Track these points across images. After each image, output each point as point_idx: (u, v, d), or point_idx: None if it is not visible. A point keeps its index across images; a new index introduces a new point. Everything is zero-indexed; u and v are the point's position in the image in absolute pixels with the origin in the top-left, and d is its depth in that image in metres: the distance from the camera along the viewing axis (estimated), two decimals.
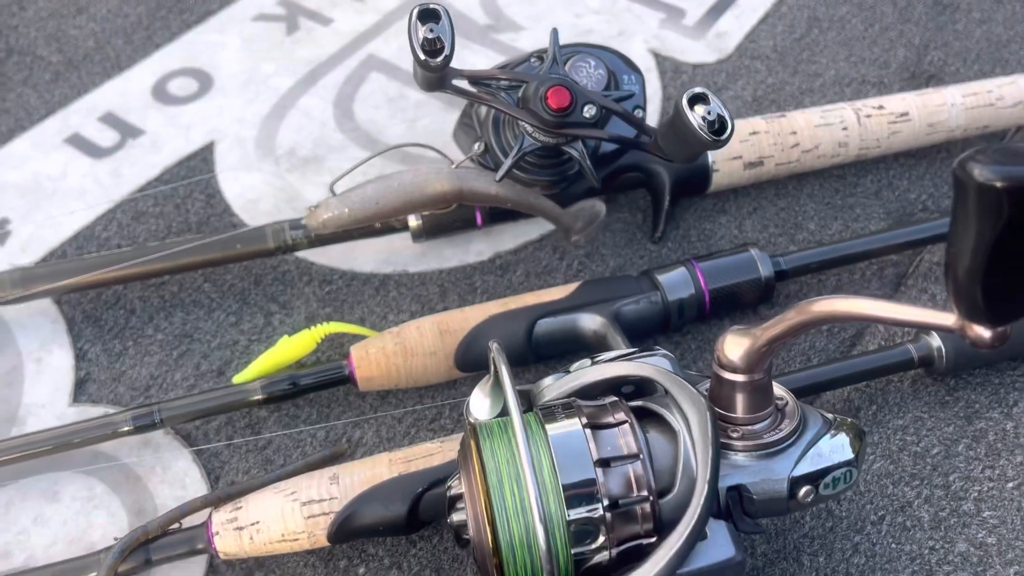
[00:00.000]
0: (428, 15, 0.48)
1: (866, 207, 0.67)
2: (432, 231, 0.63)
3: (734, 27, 0.80)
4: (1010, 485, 0.52)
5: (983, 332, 0.33)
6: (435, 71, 0.49)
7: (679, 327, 0.59)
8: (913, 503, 0.52)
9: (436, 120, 0.73)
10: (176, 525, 0.49)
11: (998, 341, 0.33)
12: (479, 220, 0.63)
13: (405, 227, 0.62)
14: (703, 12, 0.81)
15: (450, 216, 0.62)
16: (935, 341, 0.55)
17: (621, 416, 0.42)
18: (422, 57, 0.48)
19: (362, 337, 0.56)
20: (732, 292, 0.58)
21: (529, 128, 0.54)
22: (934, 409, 0.56)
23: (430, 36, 0.48)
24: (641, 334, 0.58)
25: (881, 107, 0.65)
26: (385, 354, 0.54)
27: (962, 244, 0.32)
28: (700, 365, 0.58)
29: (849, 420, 0.44)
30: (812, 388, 0.54)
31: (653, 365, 0.45)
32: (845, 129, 0.65)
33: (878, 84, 0.75)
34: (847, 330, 0.60)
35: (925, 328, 0.36)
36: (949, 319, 0.34)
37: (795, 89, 0.75)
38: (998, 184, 0.30)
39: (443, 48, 0.48)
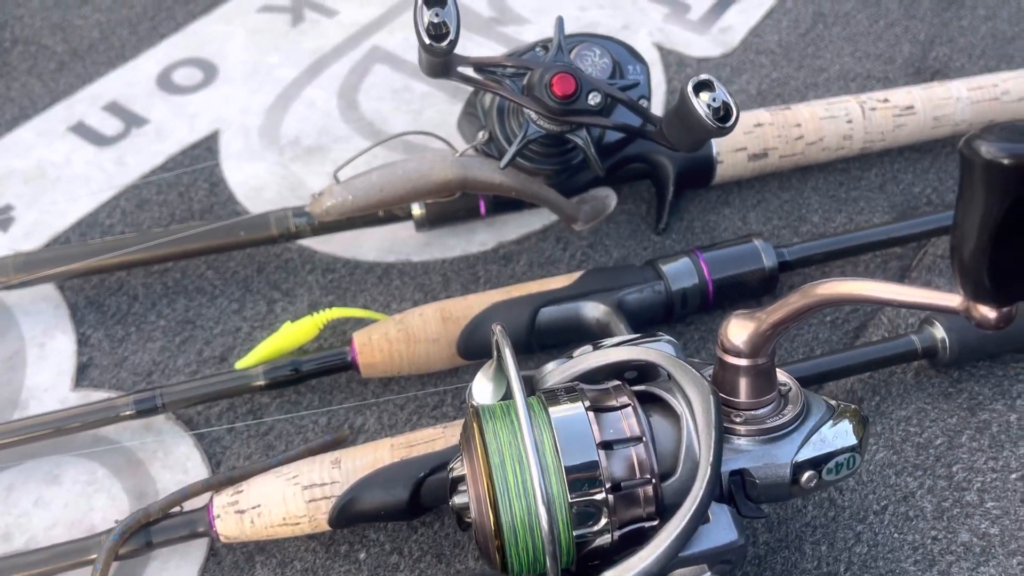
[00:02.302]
0: (434, 0, 0.48)
1: (870, 200, 0.67)
2: (435, 220, 0.63)
3: (739, 22, 0.80)
4: (1014, 476, 0.52)
5: (988, 312, 0.33)
6: (440, 56, 0.49)
7: (682, 317, 0.59)
8: (916, 493, 0.52)
9: (441, 111, 0.73)
10: (177, 508, 0.49)
11: (1003, 321, 0.33)
12: (482, 209, 0.63)
13: (408, 216, 0.62)
14: (708, 7, 0.81)
15: (454, 205, 0.62)
16: (939, 332, 0.55)
17: (624, 399, 0.42)
18: (427, 41, 0.48)
19: (365, 322, 0.56)
20: (736, 282, 0.58)
21: (534, 115, 0.54)
22: (937, 400, 0.55)
23: (436, 20, 0.48)
24: (644, 323, 0.58)
25: (886, 100, 0.65)
26: (388, 340, 0.54)
27: (968, 223, 0.32)
28: (703, 355, 0.58)
29: (852, 407, 0.44)
30: (815, 378, 0.54)
31: (657, 350, 0.44)
32: (850, 122, 0.65)
33: (883, 79, 0.75)
34: (850, 321, 0.60)
35: (930, 309, 0.35)
36: (955, 300, 0.34)
37: (800, 83, 0.75)
38: (1005, 161, 0.30)
39: (448, 33, 0.48)
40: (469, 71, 0.54)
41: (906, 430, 0.54)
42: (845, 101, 0.65)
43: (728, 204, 0.66)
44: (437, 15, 0.48)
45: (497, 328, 0.44)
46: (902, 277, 0.62)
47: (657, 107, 0.73)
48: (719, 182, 0.65)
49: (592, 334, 0.56)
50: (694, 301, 0.58)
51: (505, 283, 0.62)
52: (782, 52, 0.77)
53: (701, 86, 0.49)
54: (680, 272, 0.57)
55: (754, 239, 0.59)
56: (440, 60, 0.50)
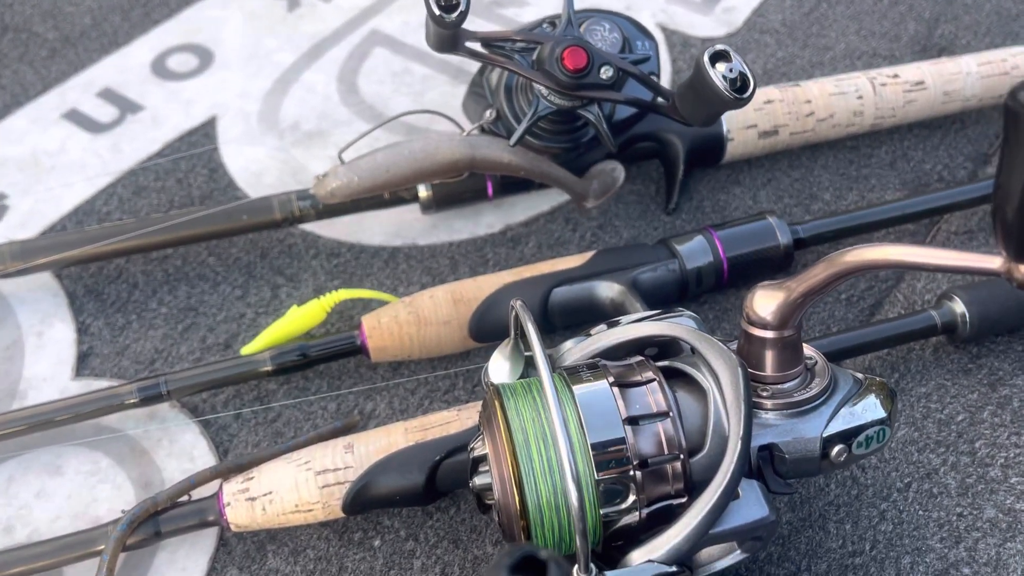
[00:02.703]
0: None
1: (881, 178, 0.66)
2: (442, 202, 0.61)
3: (742, 2, 0.79)
4: None
5: None
6: (450, 28, 0.48)
7: (696, 295, 0.58)
8: (939, 470, 0.51)
9: (443, 93, 0.72)
10: (185, 497, 0.47)
11: None
12: (490, 191, 0.61)
13: (414, 198, 0.61)
14: None
15: (461, 186, 0.61)
16: (959, 307, 0.54)
17: (649, 374, 0.41)
18: (436, 12, 0.47)
19: (373, 305, 0.55)
20: (751, 260, 0.57)
21: (544, 91, 0.53)
22: (957, 376, 0.55)
23: None
24: (659, 302, 0.56)
25: (896, 76, 0.65)
26: (398, 323, 0.53)
27: (1014, 180, 0.31)
28: (719, 334, 0.57)
29: (879, 380, 0.43)
30: (833, 355, 0.53)
31: (681, 324, 0.43)
32: (860, 98, 0.64)
33: (889, 57, 0.74)
34: (866, 299, 0.59)
35: (968, 272, 0.34)
36: (995, 262, 0.33)
37: (805, 62, 0.74)
38: None
39: (458, 4, 0.47)
40: (477, 46, 0.53)
41: (927, 407, 0.53)
42: (855, 77, 0.64)
43: (738, 183, 0.65)
44: None
45: (517, 303, 0.43)
46: None
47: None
48: (729, 160, 0.64)
49: (606, 313, 0.55)
50: (709, 279, 0.57)
51: (514, 265, 0.61)
52: (786, 31, 0.76)
53: (717, 56, 0.48)
54: (694, 250, 0.56)
55: (768, 216, 0.58)
56: (449, 33, 0.49)
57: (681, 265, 0.56)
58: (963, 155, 0.67)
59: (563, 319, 0.55)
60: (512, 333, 0.45)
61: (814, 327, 0.58)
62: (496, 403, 0.41)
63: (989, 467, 0.51)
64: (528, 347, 0.42)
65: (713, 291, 0.58)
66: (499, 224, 0.64)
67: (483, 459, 0.41)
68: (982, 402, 0.53)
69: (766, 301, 0.40)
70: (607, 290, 0.55)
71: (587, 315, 0.55)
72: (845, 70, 0.73)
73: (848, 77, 0.65)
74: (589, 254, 0.56)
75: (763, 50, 0.75)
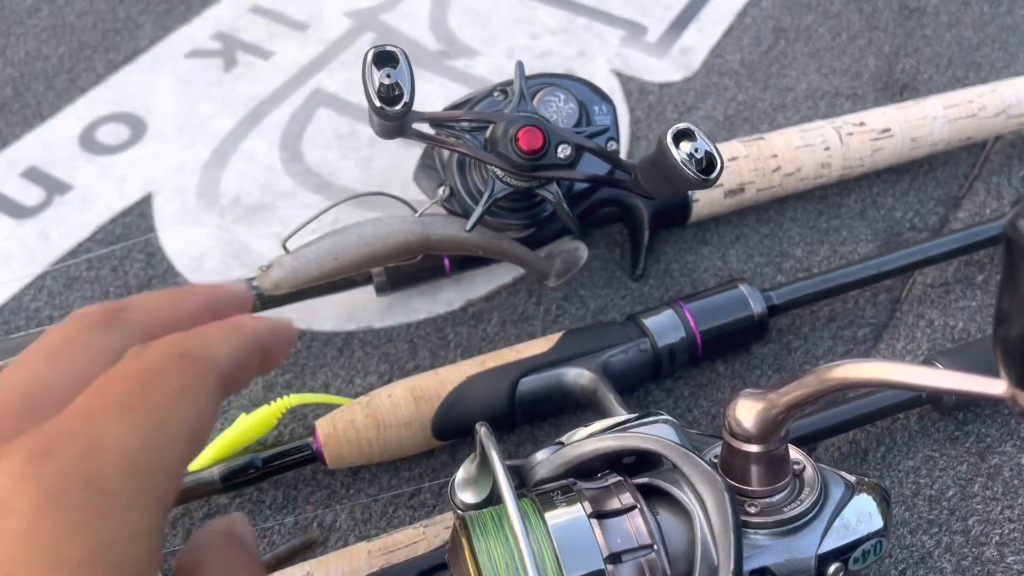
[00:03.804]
0: (384, 58, 0.44)
1: (852, 228, 0.64)
2: (397, 283, 0.58)
3: (698, 42, 0.76)
4: None
5: None
6: (394, 119, 0.44)
7: (671, 373, 0.55)
8: (934, 553, 0.48)
9: (392, 157, 0.68)
10: None
11: None
12: (448, 269, 0.58)
13: (368, 281, 0.57)
14: (665, 27, 0.78)
15: (416, 266, 0.57)
16: None
17: (628, 500, 0.38)
18: (378, 105, 0.44)
19: (328, 408, 0.51)
20: (724, 332, 0.54)
21: (499, 172, 0.50)
22: (944, 447, 0.52)
23: (387, 82, 0.43)
24: (631, 384, 0.54)
25: (862, 123, 0.62)
26: (355, 428, 0.49)
27: (1016, 307, 0.28)
28: (695, 413, 0.55)
29: (872, 482, 0.41)
30: (817, 435, 0.51)
31: (657, 437, 0.40)
32: (827, 149, 0.61)
33: (852, 96, 0.72)
34: None
35: (969, 397, 0.32)
36: (999, 387, 0.31)
37: (767, 105, 0.71)
38: None
39: (402, 95, 0.44)
40: (425, 127, 0.49)
41: (916, 482, 0.51)
42: (820, 127, 0.62)
43: (706, 242, 0.63)
44: (389, 76, 0.43)
45: (482, 429, 0.39)
46: (893, 310, 0.59)
47: (623, 140, 0.69)
48: (695, 220, 0.62)
49: (578, 402, 0.52)
50: (682, 356, 0.54)
51: (477, 345, 0.58)
52: (746, 72, 0.74)
53: (681, 135, 0.45)
54: (665, 327, 0.53)
55: (739, 284, 0.55)
56: (394, 123, 0.46)
57: (652, 344, 0.53)
58: (933, 199, 0.65)
59: (532, 409, 0.52)
60: (478, 450, 0.42)
61: None
62: (464, 541, 0.37)
63: (984, 546, 0.49)
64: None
65: (688, 366, 0.55)
66: (459, 300, 0.60)
67: None
68: (972, 473, 0.51)
69: (748, 413, 0.37)
70: (577, 377, 0.52)
71: (557, 404, 0.52)
72: (808, 111, 0.71)
73: (813, 127, 0.62)
74: (556, 336, 0.53)
75: (723, 94, 0.72)
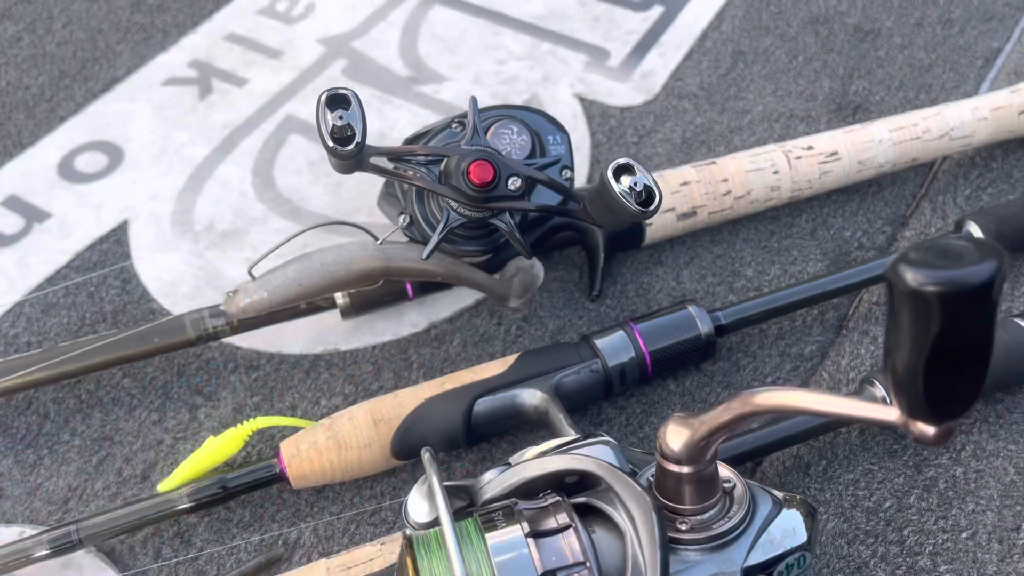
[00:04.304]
0: (336, 101, 0.46)
1: (802, 248, 0.66)
2: (361, 307, 0.60)
3: (659, 66, 0.79)
4: (964, 535, 0.52)
5: (927, 429, 0.32)
6: (347, 159, 0.47)
7: (622, 392, 0.57)
8: (869, 563, 0.51)
9: (360, 181, 0.69)
10: None
11: (943, 438, 0.32)
12: (410, 293, 0.61)
13: (333, 305, 0.60)
14: (627, 52, 0.80)
15: (379, 291, 0.60)
16: (879, 391, 0.54)
17: (564, 519, 0.40)
18: (331, 145, 0.46)
19: (293, 429, 0.54)
20: (673, 352, 0.57)
21: (453, 204, 0.52)
22: (883, 460, 0.55)
23: (339, 123, 0.46)
24: (584, 402, 0.56)
25: (810, 147, 0.65)
26: (317, 450, 0.52)
27: (900, 344, 0.31)
28: (647, 430, 0.57)
29: (798, 498, 0.43)
30: (761, 450, 0.53)
31: (595, 459, 0.43)
32: (776, 173, 0.64)
33: (806, 118, 0.74)
34: (792, 380, 0.59)
35: (868, 424, 0.34)
36: (892, 414, 0.33)
37: (724, 128, 0.74)
38: (931, 289, 0.28)
39: (354, 135, 0.46)
40: (382, 161, 0.52)
41: (855, 494, 0.53)
42: (770, 151, 0.65)
43: (661, 263, 0.65)
44: (341, 118, 0.46)
45: (426, 455, 0.42)
46: (840, 328, 0.62)
47: (583, 163, 0.71)
48: (650, 242, 0.64)
49: (531, 422, 0.54)
50: (632, 376, 0.56)
51: (439, 366, 0.60)
52: (704, 95, 0.77)
53: (621, 170, 0.48)
54: (615, 347, 0.56)
55: (688, 305, 0.58)
56: (350, 161, 0.48)
57: (604, 364, 0.55)
58: (881, 219, 0.68)
59: (487, 429, 0.54)
60: (427, 472, 0.44)
61: None
62: (408, 560, 0.40)
63: (918, 556, 0.51)
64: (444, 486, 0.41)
65: (639, 384, 0.57)
66: (423, 322, 0.63)
67: None
68: (908, 485, 0.54)
69: (677, 437, 0.40)
70: (531, 398, 0.54)
71: (511, 423, 0.55)
72: (763, 134, 0.73)
73: (763, 151, 0.65)
74: (512, 358, 0.56)
75: (681, 117, 0.75)
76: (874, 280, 0.61)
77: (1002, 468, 0.54)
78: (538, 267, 0.59)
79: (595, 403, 0.57)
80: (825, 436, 0.56)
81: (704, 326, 0.57)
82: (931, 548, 0.51)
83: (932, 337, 0.29)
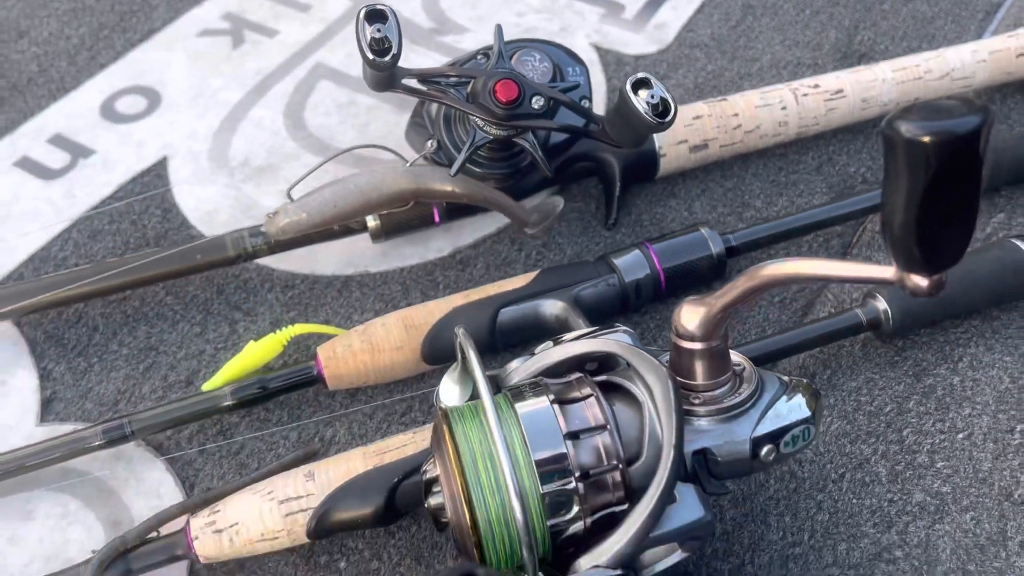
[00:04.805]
0: (375, 16, 0.49)
1: (809, 183, 0.69)
2: (391, 231, 0.64)
3: (672, 18, 0.82)
4: (960, 436, 0.55)
5: (921, 281, 0.35)
6: (384, 70, 0.50)
7: (637, 307, 0.60)
8: (870, 459, 0.54)
9: (388, 123, 0.74)
10: (154, 533, 0.49)
11: (935, 288, 0.35)
12: (436, 217, 0.64)
13: (364, 228, 0.63)
14: (641, 5, 0.84)
15: (408, 215, 0.63)
16: (881, 304, 0.57)
17: (587, 390, 0.43)
18: (370, 57, 0.49)
19: (328, 336, 0.57)
20: (686, 270, 0.60)
21: (480, 122, 0.56)
22: (884, 369, 0.58)
23: (377, 36, 0.49)
24: (601, 316, 0.59)
25: (817, 86, 0.68)
26: (352, 352, 0.55)
27: (895, 199, 0.34)
28: (660, 343, 0.60)
29: (804, 381, 0.46)
30: (768, 357, 0.56)
31: (615, 340, 0.46)
32: (784, 109, 0.67)
33: (812, 66, 0.77)
34: (798, 300, 0.62)
35: (867, 282, 0.37)
36: (889, 272, 0.36)
37: (734, 75, 0.77)
38: (925, 139, 0.32)
39: (391, 47, 0.49)
40: (414, 83, 0.55)
41: (857, 400, 0.57)
42: (778, 89, 0.68)
43: (674, 195, 0.68)
44: (379, 30, 0.49)
45: (460, 331, 0.45)
46: (844, 253, 0.65)
47: (599, 106, 0.74)
48: (664, 175, 0.67)
49: (552, 330, 0.57)
50: (647, 291, 0.59)
51: (464, 287, 0.64)
52: (715, 45, 0.80)
53: (639, 84, 0.51)
54: (632, 264, 0.59)
55: (700, 228, 0.61)
56: (384, 74, 0.51)
57: (620, 279, 0.59)
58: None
59: (511, 337, 0.58)
60: (459, 357, 0.47)
61: (750, 330, 0.61)
62: (444, 427, 0.43)
63: (917, 453, 0.54)
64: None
65: (653, 301, 0.61)
66: (448, 248, 0.66)
67: (436, 480, 0.43)
68: (908, 392, 0.57)
69: (691, 315, 0.43)
70: (551, 308, 0.57)
71: (533, 332, 0.58)
72: (772, 80, 0.76)
73: (772, 89, 0.68)
74: (533, 274, 0.59)
75: (693, 65, 0.78)
76: (877, 208, 0.64)
77: (997, 377, 0.57)
78: (559, 200, 0.63)
79: (611, 317, 0.60)
80: (829, 348, 0.59)
81: (715, 247, 0.60)
82: (929, 447, 0.54)
83: (925, 187, 0.33)
